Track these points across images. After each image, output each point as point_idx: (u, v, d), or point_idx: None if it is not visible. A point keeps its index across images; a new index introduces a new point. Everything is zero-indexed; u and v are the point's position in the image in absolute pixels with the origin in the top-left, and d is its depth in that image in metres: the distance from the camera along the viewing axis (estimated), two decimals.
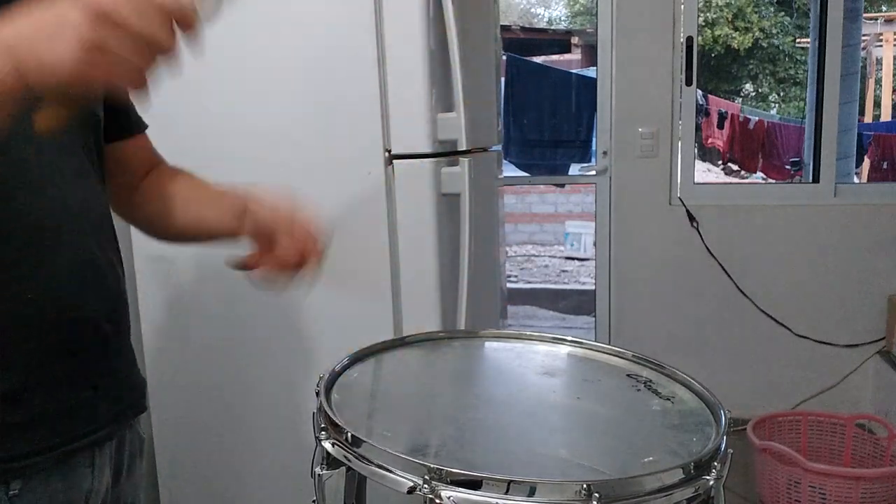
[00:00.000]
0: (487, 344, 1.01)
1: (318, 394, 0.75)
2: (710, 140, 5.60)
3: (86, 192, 0.79)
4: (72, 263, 0.76)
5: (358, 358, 0.89)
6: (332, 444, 0.68)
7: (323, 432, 0.69)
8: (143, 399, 0.89)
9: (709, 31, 10.11)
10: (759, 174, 5.47)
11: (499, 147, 2.03)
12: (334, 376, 0.82)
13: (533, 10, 15.17)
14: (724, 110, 5.48)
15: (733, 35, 10.36)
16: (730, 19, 10.44)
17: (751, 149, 5.24)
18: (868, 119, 7.70)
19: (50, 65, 0.51)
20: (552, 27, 12.77)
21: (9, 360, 0.70)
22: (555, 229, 8.12)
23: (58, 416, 0.74)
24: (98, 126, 0.84)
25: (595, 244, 3.06)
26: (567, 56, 9.33)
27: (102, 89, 0.55)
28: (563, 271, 7.26)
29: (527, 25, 11.84)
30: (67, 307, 0.75)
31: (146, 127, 0.96)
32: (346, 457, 0.66)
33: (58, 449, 0.74)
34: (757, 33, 10.44)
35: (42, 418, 0.73)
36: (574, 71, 5.11)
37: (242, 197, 0.89)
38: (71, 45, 0.50)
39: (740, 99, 10.87)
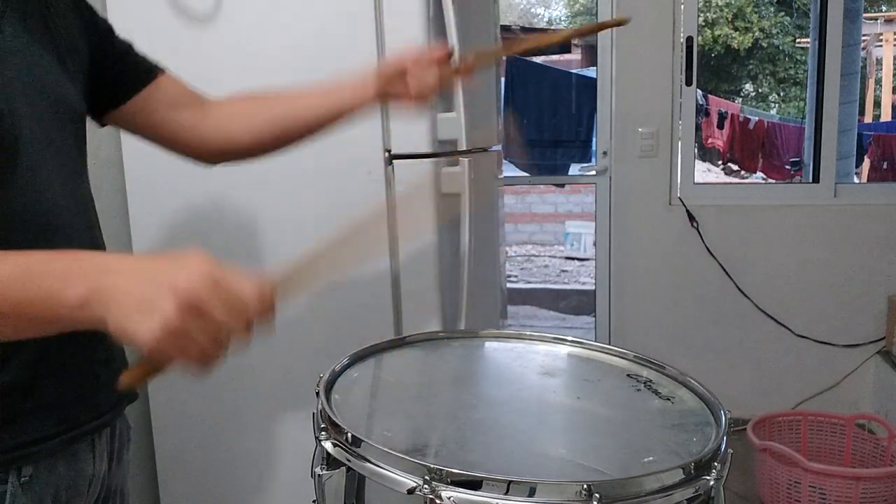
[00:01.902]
0: (487, 344, 1.01)
1: (318, 394, 0.75)
2: (710, 140, 5.61)
3: (79, 188, 0.82)
4: None
5: (358, 358, 0.89)
6: (332, 444, 0.68)
7: (323, 432, 0.69)
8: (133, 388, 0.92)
9: (709, 31, 10.11)
10: (759, 174, 5.47)
11: (499, 147, 2.03)
12: (334, 376, 0.82)
13: (533, 10, 15.17)
14: (724, 110, 5.48)
15: (733, 35, 10.36)
16: (730, 19, 10.44)
17: (751, 149, 5.24)
18: (868, 119, 7.70)
19: (130, 334, 0.55)
20: (552, 27, 12.76)
21: (19, 352, 0.73)
22: (555, 229, 8.12)
23: (64, 405, 0.78)
24: (82, 119, 0.86)
25: (595, 244, 3.06)
26: (567, 56, 9.31)
27: (171, 362, 0.58)
28: (563, 271, 7.26)
29: (527, 25, 11.83)
30: None
31: (161, 71, 0.98)
32: (346, 457, 0.66)
33: (64, 435, 0.77)
34: (757, 33, 10.44)
35: (50, 406, 0.76)
36: (574, 71, 5.11)
37: (360, 75, 0.98)
38: (155, 327, 0.54)
39: (740, 99, 10.87)
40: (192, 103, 0.98)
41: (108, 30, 0.95)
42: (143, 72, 0.96)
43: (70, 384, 0.79)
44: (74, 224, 0.79)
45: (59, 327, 0.61)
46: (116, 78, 0.92)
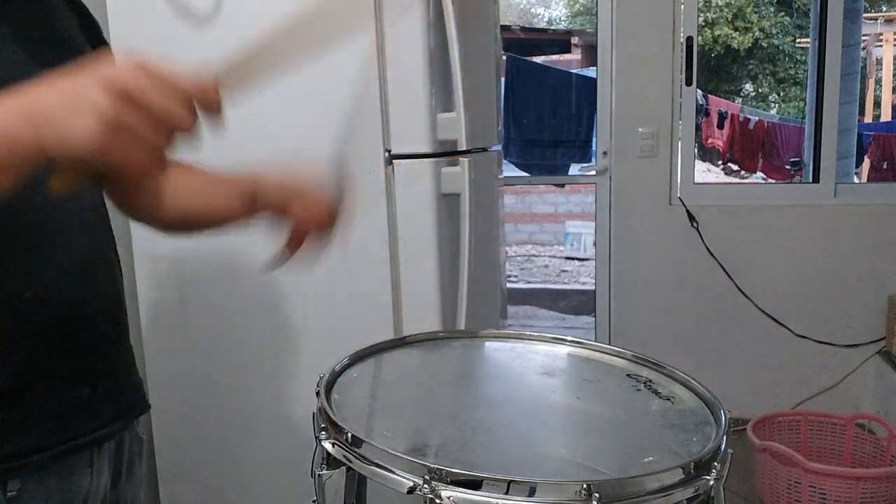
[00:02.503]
0: (487, 344, 1.01)
1: (318, 394, 0.75)
2: (710, 140, 5.60)
3: (82, 191, 0.79)
4: (70, 262, 0.76)
5: (358, 358, 0.89)
6: (332, 444, 0.68)
7: (323, 432, 0.69)
8: (144, 399, 0.89)
9: (709, 31, 10.11)
10: (759, 174, 5.47)
11: (499, 147, 2.03)
12: (334, 376, 0.82)
13: (533, 10, 15.17)
14: (724, 110, 5.48)
15: (733, 35, 10.36)
16: (730, 19, 10.44)
17: (751, 149, 5.24)
18: (868, 119, 7.70)
19: (70, 140, 0.52)
20: (552, 27, 12.76)
21: (6, 359, 0.70)
22: (555, 229, 8.12)
23: (55, 416, 0.74)
24: None
25: (595, 244, 3.05)
26: (567, 56, 9.32)
27: (119, 164, 0.55)
28: (563, 271, 7.26)
29: (527, 25, 11.84)
30: (65, 306, 0.75)
31: None
32: (346, 457, 0.66)
33: (55, 448, 0.73)
34: (757, 33, 10.43)
35: (39, 417, 0.73)
36: (574, 71, 5.11)
37: (249, 180, 0.88)
38: (91, 123, 0.51)
39: (740, 99, 10.87)
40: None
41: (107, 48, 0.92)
42: None
43: (63, 393, 0.75)
44: (69, 224, 0.76)
45: (18, 167, 0.55)
46: None
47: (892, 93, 7.86)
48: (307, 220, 0.84)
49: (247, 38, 0.62)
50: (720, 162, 8.04)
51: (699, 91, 5.21)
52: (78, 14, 0.86)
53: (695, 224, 2.85)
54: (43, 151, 0.53)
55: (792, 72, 10.78)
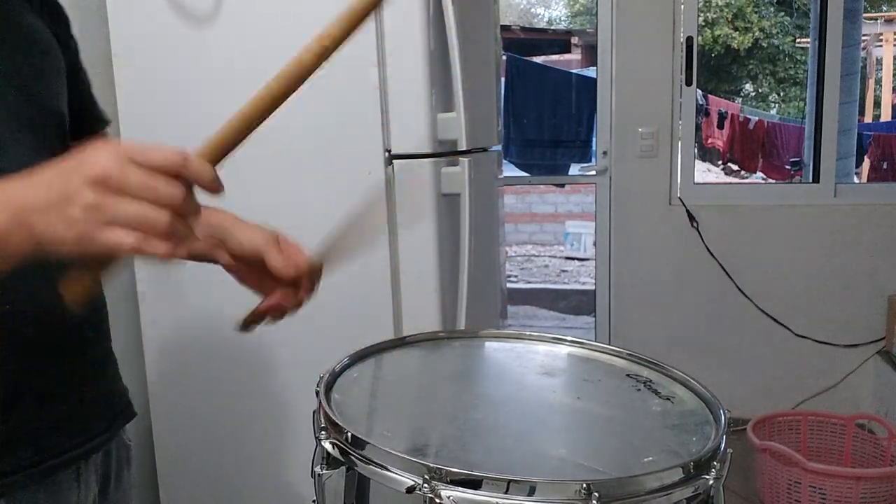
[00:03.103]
0: (487, 344, 1.01)
1: (318, 394, 0.75)
2: (710, 140, 5.61)
3: None
4: (48, 271, 0.73)
5: (358, 358, 0.88)
6: (332, 444, 0.67)
7: (323, 432, 0.69)
8: (130, 406, 0.87)
9: (709, 31, 10.11)
10: (759, 174, 5.47)
11: (499, 147, 2.03)
12: (334, 376, 0.81)
13: (533, 10, 15.17)
14: (724, 110, 5.48)
15: (733, 35, 10.36)
16: (730, 19, 10.44)
17: (751, 149, 5.24)
18: (868, 119, 7.70)
19: (60, 236, 0.52)
20: (552, 27, 12.76)
21: None
22: (555, 229, 8.12)
23: (43, 432, 0.72)
24: (64, 124, 0.81)
25: (595, 244, 3.06)
26: (567, 56, 9.32)
27: (122, 254, 0.54)
28: (563, 271, 7.26)
29: (527, 25, 11.84)
30: (49, 316, 0.72)
31: (109, 123, 0.92)
32: (346, 457, 0.66)
33: (43, 465, 0.72)
34: (757, 33, 10.43)
35: (28, 433, 0.71)
36: (574, 71, 5.10)
37: (216, 219, 0.82)
38: (75, 215, 0.51)
39: (740, 99, 10.87)
40: None
41: (77, 51, 0.87)
42: (97, 119, 0.90)
43: (51, 407, 0.73)
44: None
45: (9, 261, 0.55)
46: (77, 112, 0.85)
47: (892, 93, 7.86)
48: (285, 264, 0.79)
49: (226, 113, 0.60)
50: (720, 162, 8.04)
51: (699, 91, 5.22)
52: (48, 7, 0.83)
53: (695, 224, 2.85)
54: (36, 248, 0.53)
55: (792, 72, 10.78)
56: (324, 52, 0.61)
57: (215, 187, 0.55)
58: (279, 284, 0.80)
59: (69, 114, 0.83)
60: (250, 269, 0.82)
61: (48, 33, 0.80)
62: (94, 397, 0.79)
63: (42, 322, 0.72)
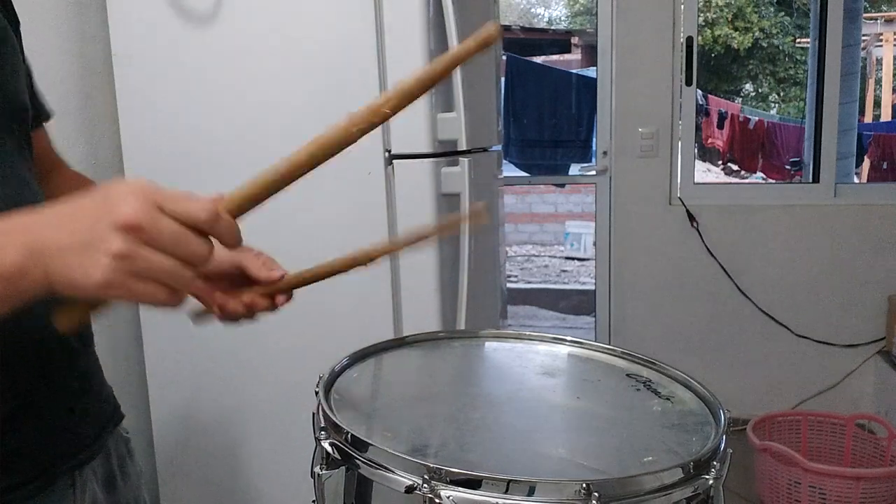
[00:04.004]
0: (487, 344, 1.01)
1: (317, 394, 0.75)
2: (710, 140, 5.61)
3: (34, 196, 0.74)
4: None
5: (358, 358, 0.88)
6: (332, 445, 0.67)
7: (322, 432, 0.69)
8: (118, 409, 0.86)
9: (709, 31, 10.11)
10: (759, 174, 5.47)
11: (499, 147, 2.03)
12: (334, 376, 0.81)
13: (533, 10, 15.16)
14: (724, 110, 5.48)
15: (733, 35, 10.36)
16: (730, 19, 10.44)
17: (751, 149, 5.24)
18: (868, 119, 7.71)
19: (80, 280, 0.50)
20: (552, 27, 12.76)
21: None
22: (555, 229, 8.12)
23: (37, 447, 0.71)
24: (27, 119, 0.78)
25: (595, 244, 3.06)
26: (567, 56, 9.32)
27: (131, 300, 0.52)
28: (564, 271, 7.26)
29: (527, 25, 11.84)
30: (36, 329, 0.69)
31: (51, 116, 0.88)
32: (345, 457, 0.66)
33: (38, 479, 0.70)
34: (757, 33, 10.43)
35: (21, 451, 0.69)
36: (574, 71, 5.10)
37: None
38: (100, 264, 0.49)
39: (740, 99, 10.86)
40: (48, 169, 0.86)
41: (21, 39, 0.82)
42: (40, 110, 0.85)
43: (43, 422, 0.71)
44: None
45: (2, 303, 0.53)
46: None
47: (892, 93, 7.86)
48: (272, 275, 0.79)
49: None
50: (720, 162, 8.04)
51: (699, 91, 5.22)
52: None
53: (695, 224, 2.85)
54: (51, 288, 0.51)
55: (792, 72, 10.78)
56: (368, 128, 0.61)
57: (236, 246, 0.55)
58: (252, 290, 0.80)
59: None
60: (217, 284, 0.80)
61: (4, 21, 0.77)
62: (84, 406, 0.77)
63: (31, 336, 0.70)
